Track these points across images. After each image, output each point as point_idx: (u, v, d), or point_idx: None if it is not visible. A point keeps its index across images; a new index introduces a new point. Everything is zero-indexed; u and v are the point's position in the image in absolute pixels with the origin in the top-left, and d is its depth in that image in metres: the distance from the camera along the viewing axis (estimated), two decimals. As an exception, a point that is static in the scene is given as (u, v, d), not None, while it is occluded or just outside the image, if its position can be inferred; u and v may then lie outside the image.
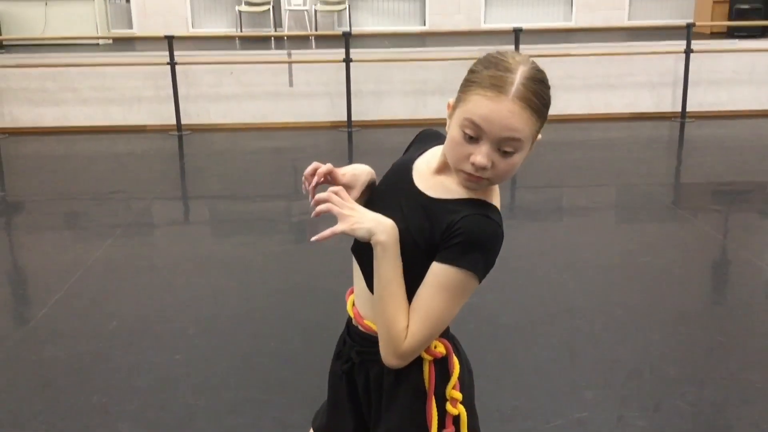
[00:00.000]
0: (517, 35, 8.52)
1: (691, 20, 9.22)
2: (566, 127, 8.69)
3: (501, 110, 1.29)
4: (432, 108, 8.83)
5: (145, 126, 8.78)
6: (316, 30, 10.85)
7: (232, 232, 5.42)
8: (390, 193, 1.49)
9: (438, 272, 1.34)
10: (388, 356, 1.38)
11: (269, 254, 4.81)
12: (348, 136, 8.47)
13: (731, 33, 9.41)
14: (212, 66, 8.66)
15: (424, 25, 11.25)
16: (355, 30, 10.55)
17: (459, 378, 1.47)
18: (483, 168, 1.32)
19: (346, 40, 8.41)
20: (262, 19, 10.95)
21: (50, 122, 8.68)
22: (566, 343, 3.45)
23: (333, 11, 10.89)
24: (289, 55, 8.85)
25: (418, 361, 1.43)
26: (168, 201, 6.29)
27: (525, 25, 8.88)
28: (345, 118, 8.61)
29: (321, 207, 1.41)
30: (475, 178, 1.34)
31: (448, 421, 1.46)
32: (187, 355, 3.39)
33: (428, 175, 1.45)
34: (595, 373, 3.18)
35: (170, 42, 8.26)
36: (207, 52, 8.94)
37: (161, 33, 8.62)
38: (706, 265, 4.63)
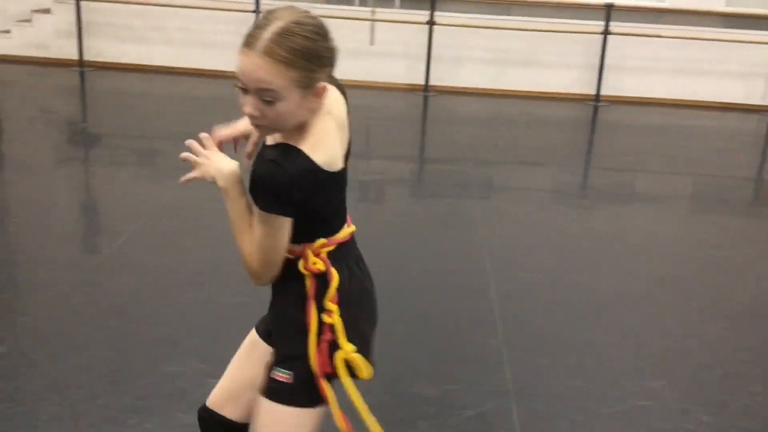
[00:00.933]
0: (609, 11, 8.25)
1: (794, 10, 8.77)
2: (648, 110, 8.44)
3: (249, 64, 1.42)
4: (512, 78, 8.68)
5: (225, 71, 8.86)
6: (402, -10, 10.70)
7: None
8: None
9: (255, 209, 1.54)
10: (249, 276, 1.62)
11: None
12: (423, 100, 8.39)
13: (836, 27, 8.91)
14: (295, 17, 8.64)
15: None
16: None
17: (340, 292, 1.61)
18: (252, 116, 1.47)
19: (432, 1, 8.28)
20: (348, -26, 10.85)
21: (133, 59, 8.85)
22: (633, 330, 3.37)
23: (420, -28, 10.72)
24: (373, 12, 8.78)
25: (301, 276, 1.62)
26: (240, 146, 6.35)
27: (617, 2, 8.59)
28: (422, 82, 8.53)
29: (182, 155, 1.67)
30: (255, 126, 1.52)
31: (326, 329, 1.61)
32: (250, 299, 3.44)
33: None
34: (662, 363, 3.10)
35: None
36: (290, 1, 8.92)
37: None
38: None
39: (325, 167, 1.53)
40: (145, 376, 2.77)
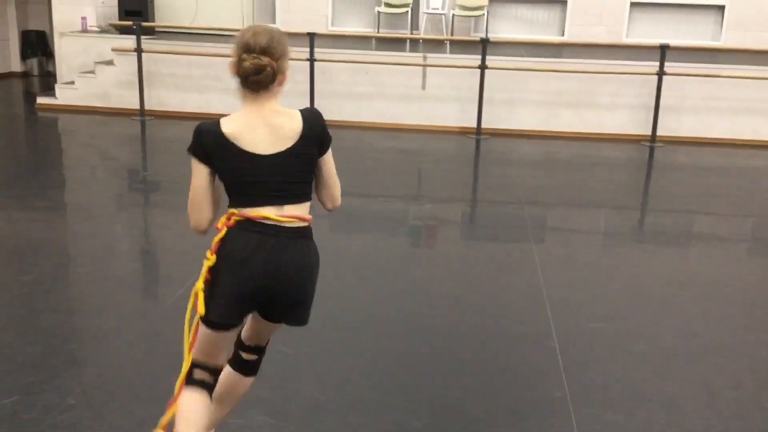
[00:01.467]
0: (663, 52, 8.18)
1: None
2: (707, 150, 8.29)
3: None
4: (565, 120, 8.64)
5: (279, 118, 9.03)
6: (453, 34, 10.82)
7: (357, 229, 5.48)
8: None
9: None
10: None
11: (391, 253, 4.83)
12: (476, 144, 8.40)
13: None
14: (348, 64, 8.80)
15: (563, 35, 11.00)
16: (492, 36, 10.45)
17: (222, 249, 2.18)
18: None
19: (483, 46, 8.34)
20: (399, 20, 11.03)
21: (193, 108, 9.09)
22: (704, 381, 3.26)
23: (471, 16, 10.84)
24: (425, 58, 8.87)
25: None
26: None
27: (671, 42, 8.52)
28: (474, 125, 8.55)
29: None
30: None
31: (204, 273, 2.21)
32: (312, 350, 3.45)
33: None
34: (736, 418, 2.99)
35: (312, 39, 8.47)
36: (344, 50, 9.10)
37: (302, 29, 8.85)
38: None
39: (228, 136, 2.14)
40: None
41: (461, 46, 9.96)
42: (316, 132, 2.28)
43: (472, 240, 5.38)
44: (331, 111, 8.91)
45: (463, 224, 5.83)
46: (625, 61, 8.76)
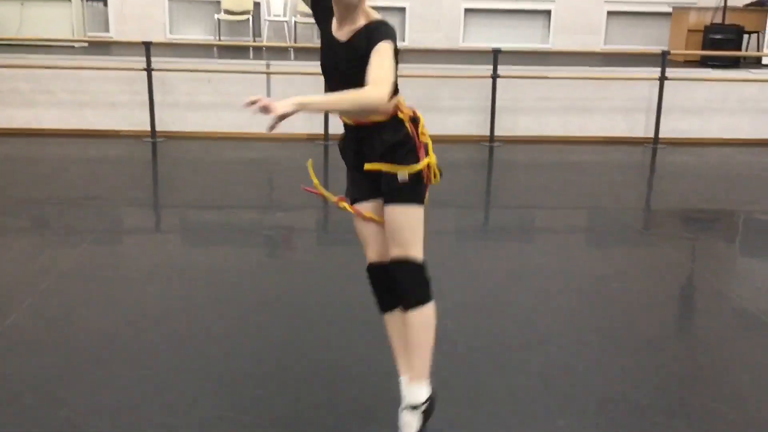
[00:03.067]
0: (496, 56, 8.58)
1: (666, 48, 9.37)
2: (541, 148, 8.77)
3: None
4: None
5: (118, 131, 8.68)
6: (296, 41, 10.82)
7: (206, 242, 5.36)
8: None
9: (382, 50, 2.28)
10: (378, 103, 2.20)
11: (242, 267, 4.77)
12: (324, 150, 8.45)
13: (705, 62, 9.58)
14: (189, 73, 8.59)
15: (404, 41, 11.28)
16: (335, 43, 10.53)
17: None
18: None
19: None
20: (241, 27, 10.89)
21: (21, 124, 8.55)
22: (540, 370, 3.45)
23: (313, 23, 10.87)
24: (268, 66, 8.82)
25: (400, 121, 2.43)
26: (141, 209, 6.20)
27: (503, 46, 8.95)
28: (322, 131, 8.60)
29: (258, 105, 2.03)
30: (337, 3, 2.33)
31: (421, 146, 2.47)
32: (156, 372, 3.34)
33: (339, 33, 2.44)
34: (569, 400, 3.19)
35: (147, 48, 8.20)
36: (184, 59, 8.87)
37: (138, 38, 8.56)
38: (677, 292, 4.68)
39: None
40: (46, 469, 2.63)
41: (305, 53, 9.97)
42: None
43: (325, 246, 5.40)
44: (173, 122, 8.69)
45: (317, 231, 5.84)
46: (463, 66, 9.12)
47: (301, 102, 2.05)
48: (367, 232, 2.56)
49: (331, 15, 2.43)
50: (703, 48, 9.69)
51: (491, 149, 8.66)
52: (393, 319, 2.62)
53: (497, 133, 8.81)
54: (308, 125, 8.77)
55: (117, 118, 8.69)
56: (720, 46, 9.50)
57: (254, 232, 5.66)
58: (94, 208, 5.96)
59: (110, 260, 4.90)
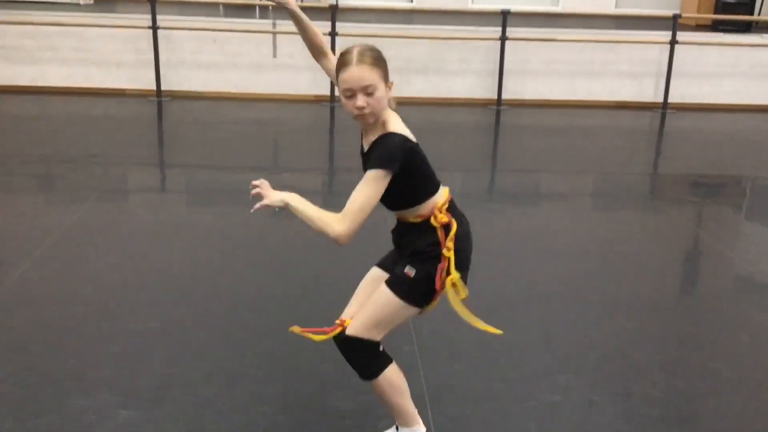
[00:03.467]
0: (505, 17, 8.49)
1: (677, 11, 9.24)
2: (548, 112, 8.72)
3: (354, 72, 2.18)
4: (416, 86, 8.80)
5: (124, 90, 8.66)
6: (303, 2, 10.71)
7: (210, 201, 5.38)
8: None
9: (369, 174, 2.18)
10: (337, 240, 2.17)
11: (246, 226, 4.78)
12: (330, 111, 8.42)
13: (716, 26, 9.46)
14: (195, 32, 8.54)
15: (412, 2, 11.16)
16: (342, 4, 10.43)
17: (456, 235, 2.33)
18: (362, 107, 2.20)
19: (333, 13, 8.33)
20: (247, -13, 10.77)
21: (27, 81, 8.53)
22: (542, 327, 3.48)
23: (320, -17, 10.76)
24: (274, 25, 8.75)
25: (432, 228, 2.33)
26: (146, 167, 6.22)
27: (513, 8, 8.85)
28: (328, 92, 8.56)
29: (254, 191, 2.22)
30: (363, 116, 2.22)
31: (444, 259, 2.32)
32: (162, 324, 3.38)
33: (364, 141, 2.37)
34: (569, 357, 3.22)
35: (153, 5, 8.13)
36: (190, 17, 8.80)
37: (144, -4, 8.48)
38: (680, 255, 4.69)
39: (410, 138, 2.25)
40: (52, 412, 2.68)
41: (312, 12, 9.85)
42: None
43: (329, 207, 5.40)
44: (179, 82, 8.66)
45: (322, 193, 5.85)
46: (470, 27, 9.03)
47: (287, 202, 2.19)
48: (360, 291, 2.50)
49: None
50: (715, 12, 9.56)
51: (498, 113, 8.61)
52: (376, 386, 2.43)
53: (504, 96, 8.76)
54: (314, 86, 8.73)
55: (122, 77, 8.66)
56: (732, 10, 9.37)
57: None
58: (99, 166, 5.97)
59: (115, 218, 4.92)
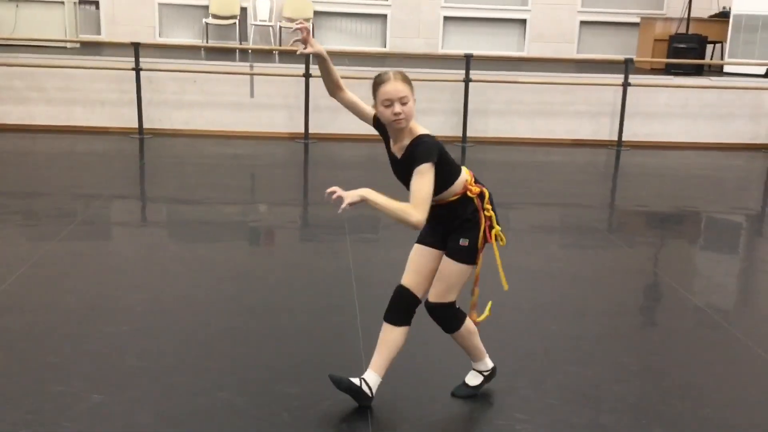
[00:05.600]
0: (468, 61, 9.04)
1: (632, 56, 9.85)
2: (510, 149, 9.23)
3: (392, 86, 2.82)
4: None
5: (107, 128, 9.09)
6: (280, 44, 11.26)
7: (187, 232, 5.76)
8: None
9: (419, 169, 2.78)
10: (415, 225, 2.74)
11: (223, 253, 5.16)
12: (304, 147, 8.87)
13: (669, 70, 10.07)
14: (176, 73, 9.02)
15: (385, 47, 11.75)
16: (318, 48, 10.98)
17: (489, 199, 3.04)
18: (399, 113, 2.81)
19: (307, 56, 8.83)
20: (228, 32, 11.34)
21: (15, 120, 8.95)
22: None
23: (297, 29, 11.32)
24: (251, 67, 9.25)
25: (469, 199, 2.97)
26: (125, 200, 6.60)
27: (476, 52, 9.42)
28: (302, 130, 9.02)
29: (334, 196, 2.68)
30: (398, 120, 2.82)
31: (486, 219, 3.01)
32: (135, 327, 3.75)
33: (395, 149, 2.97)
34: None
35: (136, 48, 8.62)
36: (172, 60, 9.29)
37: (129, 40, 8.97)
38: (633, 286, 4.83)
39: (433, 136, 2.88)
40: (33, 395, 3.04)
41: (289, 56, 10.42)
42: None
43: (303, 241, 5.80)
44: (161, 120, 9.11)
45: (295, 223, 6.24)
46: (439, 70, 9.58)
47: (365, 197, 2.66)
48: (421, 264, 3.03)
49: (387, 133, 2.97)
50: (668, 56, 10.18)
51: (463, 149, 9.11)
52: (389, 330, 3.02)
53: (469, 134, 9.26)
54: (289, 124, 9.20)
55: (106, 116, 9.10)
56: (683, 54, 9.99)
57: (234, 223, 6.07)
58: (81, 198, 6.35)
59: (94, 244, 5.30)
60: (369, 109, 3.02)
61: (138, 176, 7.67)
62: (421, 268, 3.03)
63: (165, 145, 8.70)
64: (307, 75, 8.83)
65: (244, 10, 11.22)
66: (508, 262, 4.97)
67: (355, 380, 3.01)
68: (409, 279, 3.02)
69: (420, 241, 3.07)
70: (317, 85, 8.89)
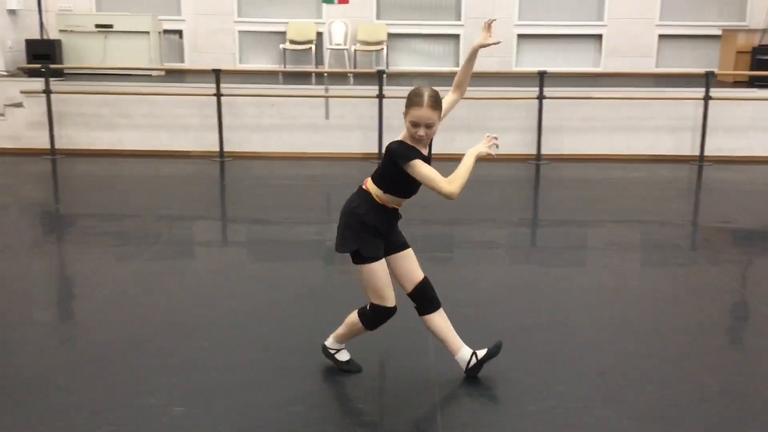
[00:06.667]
0: (542, 78, 8.98)
1: (711, 69, 9.58)
2: (586, 166, 9.09)
3: (424, 113, 3.14)
4: (459, 144, 9.28)
5: (190, 152, 9.42)
6: (355, 67, 11.45)
7: (265, 252, 5.91)
8: None
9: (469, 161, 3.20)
10: (456, 196, 3.08)
11: (298, 271, 5.28)
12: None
13: (752, 82, 9.74)
14: (254, 98, 9.29)
15: (458, 66, 11.78)
16: (391, 69, 11.13)
17: None
18: (423, 136, 3.15)
19: (380, 77, 8.97)
20: (305, 57, 11.61)
21: (104, 145, 9.38)
22: (547, 353, 3.83)
23: (371, 51, 11.51)
24: (326, 90, 9.44)
25: None
26: (206, 221, 6.82)
27: (551, 69, 9.35)
28: (376, 150, 9.13)
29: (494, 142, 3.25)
30: (421, 140, 3.17)
31: None
32: (215, 342, 3.87)
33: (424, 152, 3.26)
34: (566, 369, 3.56)
35: (217, 75, 8.93)
36: (251, 85, 9.58)
37: (210, 67, 9.31)
38: (718, 307, 4.64)
39: None
40: (121, 408, 3.18)
41: (363, 78, 10.59)
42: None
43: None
44: (240, 143, 9.39)
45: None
46: (513, 88, 9.54)
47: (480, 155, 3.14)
48: (389, 278, 3.30)
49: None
50: (751, 69, 9.85)
51: (538, 167, 9.03)
52: (433, 318, 3.39)
53: (544, 151, 9.18)
54: (363, 145, 9.33)
55: (189, 140, 9.44)
56: (766, 66, 9.65)
57: (310, 243, 6.18)
58: (165, 220, 6.61)
59: (177, 263, 5.50)
60: (451, 98, 3.45)
61: (219, 198, 7.92)
62: (392, 279, 3.32)
63: (244, 167, 8.95)
64: (380, 96, 8.95)
65: (319, 35, 11.47)
66: (586, 280, 5.05)
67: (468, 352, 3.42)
68: (394, 294, 3.31)
69: (382, 255, 3.28)
70: (390, 105, 9.01)
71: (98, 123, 9.40)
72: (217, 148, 9.18)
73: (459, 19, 11.78)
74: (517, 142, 9.38)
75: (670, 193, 8.07)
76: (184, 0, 11.56)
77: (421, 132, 3.11)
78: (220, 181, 8.51)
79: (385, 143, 9.15)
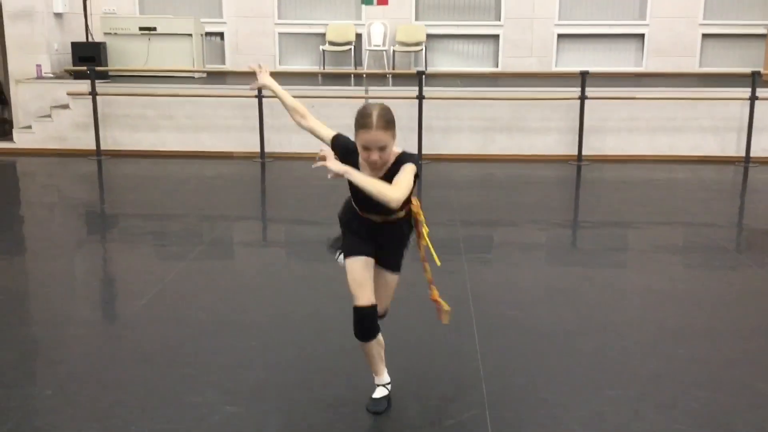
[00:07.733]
0: (584, 78, 8.90)
1: (757, 69, 9.40)
2: (629, 167, 8.98)
3: (373, 136, 2.84)
4: (499, 144, 9.27)
5: (232, 152, 9.52)
6: (394, 68, 11.48)
7: (308, 251, 5.95)
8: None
9: (409, 168, 2.89)
10: (390, 202, 2.75)
11: (340, 271, 5.29)
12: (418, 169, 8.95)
13: (801, 81, 9.54)
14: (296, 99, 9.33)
15: (497, 66, 11.73)
16: (430, 69, 11.13)
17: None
18: (376, 160, 2.86)
19: (420, 78, 8.97)
20: (344, 58, 11.66)
21: (147, 146, 9.53)
22: (596, 353, 3.80)
23: (410, 51, 11.52)
24: (366, 91, 9.47)
25: (408, 220, 3.11)
26: (249, 221, 6.89)
27: (592, 69, 9.25)
28: (416, 150, 9.13)
29: (320, 163, 2.78)
30: (375, 166, 2.88)
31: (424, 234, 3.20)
32: (261, 342, 3.91)
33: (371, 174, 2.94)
34: (618, 376, 3.52)
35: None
36: (291, 86, 9.63)
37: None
38: (766, 312, 4.55)
39: None
40: (171, 406, 3.22)
41: (402, 79, 10.60)
42: None
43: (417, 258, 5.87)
44: (280, 144, 9.46)
45: (411, 242, 6.32)
46: (552, 88, 9.48)
47: (347, 171, 2.72)
48: (366, 277, 3.08)
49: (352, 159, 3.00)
50: (799, 67, 9.64)
51: (579, 168, 8.94)
52: (371, 345, 3.19)
53: (585, 152, 9.09)
54: (402, 145, 9.30)
55: (230, 141, 9.55)
56: (815, 65, 9.44)
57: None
58: (208, 220, 6.69)
59: (222, 263, 5.57)
60: (327, 134, 3.18)
61: (260, 198, 7.99)
62: (371, 281, 3.10)
63: (285, 167, 9.02)
64: (420, 97, 8.94)
65: (359, 36, 11.51)
66: (630, 282, 4.99)
67: (383, 393, 3.24)
68: (366, 296, 3.06)
69: (362, 253, 3.08)
70: (430, 106, 9.01)
71: (142, 124, 9.56)
72: (258, 149, 9.27)
73: (498, 20, 11.73)
74: (557, 143, 9.31)
75: (715, 194, 7.94)
76: (225, 2, 11.71)
77: (375, 156, 2.82)
78: (261, 182, 8.59)
79: (425, 144, 9.29)
